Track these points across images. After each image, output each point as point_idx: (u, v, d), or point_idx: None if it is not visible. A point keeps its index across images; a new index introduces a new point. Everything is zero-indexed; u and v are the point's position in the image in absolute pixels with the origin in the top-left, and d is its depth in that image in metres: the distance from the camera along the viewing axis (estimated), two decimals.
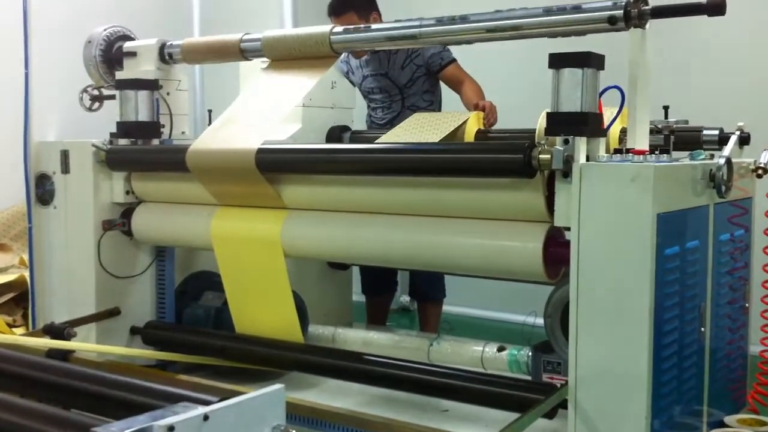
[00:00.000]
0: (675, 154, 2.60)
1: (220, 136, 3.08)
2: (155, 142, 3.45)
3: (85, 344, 3.23)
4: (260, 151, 2.91)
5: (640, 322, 2.22)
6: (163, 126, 3.49)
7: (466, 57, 4.19)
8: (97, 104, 3.63)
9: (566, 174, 2.36)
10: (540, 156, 2.40)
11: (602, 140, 2.47)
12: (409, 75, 4.16)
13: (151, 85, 3.42)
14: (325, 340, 3.41)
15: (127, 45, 3.54)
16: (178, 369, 3.29)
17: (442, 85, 4.27)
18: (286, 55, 3.17)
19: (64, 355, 3.00)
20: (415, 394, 2.86)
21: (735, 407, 2.89)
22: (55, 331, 3.17)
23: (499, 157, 2.55)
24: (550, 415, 2.42)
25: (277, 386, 1.58)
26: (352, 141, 3.76)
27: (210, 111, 3.86)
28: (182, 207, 3.32)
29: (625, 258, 2.24)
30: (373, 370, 2.89)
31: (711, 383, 2.67)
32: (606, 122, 2.55)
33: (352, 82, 4.26)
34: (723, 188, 2.48)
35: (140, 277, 3.50)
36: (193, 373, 3.16)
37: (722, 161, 2.48)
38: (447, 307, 4.50)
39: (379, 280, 4.29)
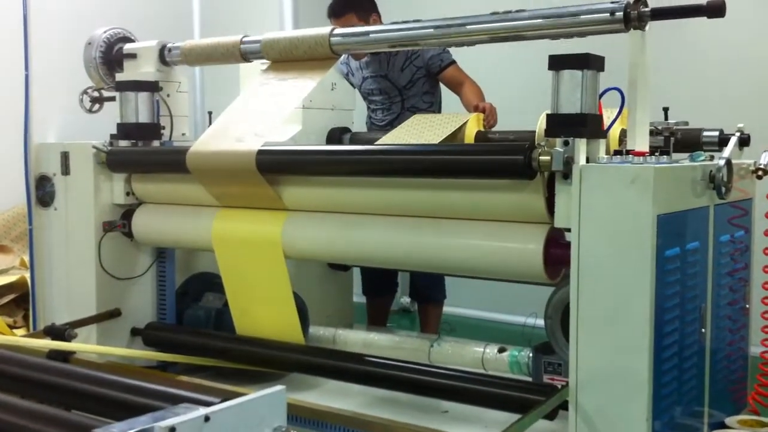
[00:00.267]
0: (675, 155, 2.60)
1: (221, 138, 3.09)
2: (155, 143, 3.45)
3: (85, 345, 3.23)
4: (260, 152, 2.92)
5: (640, 324, 2.22)
6: (164, 127, 3.50)
7: (466, 59, 4.19)
8: (97, 106, 3.63)
9: (566, 175, 2.36)
10: (540, 157, 2.40)
11: (602, 141, 2.47)
12: (409, 76, 4.16)
13: (152, 87, 3.42)
14: (325, 341, 3.41)
15: (128, 47, 3.54)
16: (179, 370, 3.29)
17: (442, 86, 4.27)
18: (286, 57, 3.18)
19: (65, 356, 3.01)
20: (416, 395, 2.86)
21: (735, 408, 2.89)
22: (55, 332, 3.17)
23: (500, 159, 2.56)
24: (550, 416, 2.42)
25: (278, 387, 1.58)
26: (352, 142, 3.77)
27: (210, 113, 3.86)
28: (183, 208, 3.33)
29: (625, 259, 2.24)
30: (374, 371, 2.89)
31: (711, 384, 2.67)
32: (606, 124, 2.55)
33: (352, 84, 4.27)
34: (723, 189, 2.48)
35: (141, 279, 3.51)
36: (193, 375, 3.15)
37: (722, 162, 2.48)
38: (448, 308, 4.50)
39: (379, 281, 4.29)
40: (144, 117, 3.40)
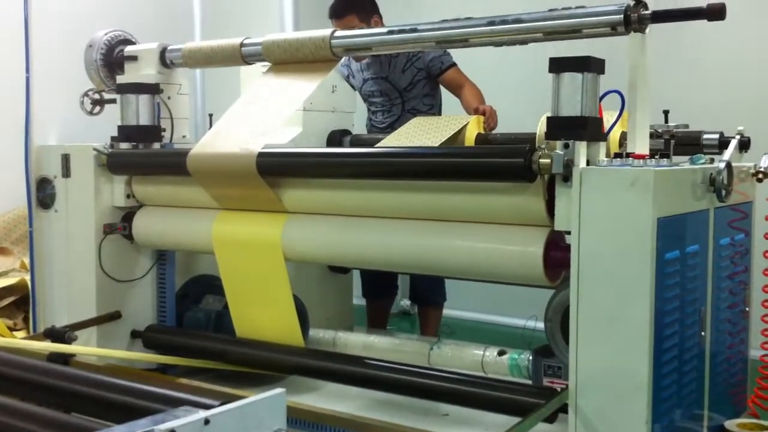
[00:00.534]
0: (675, 158, 2.60)
1: (221, 140, 3.09)
2: (156, 145, 3.45)
3: (85, 348, 3.23)
4: (261, 155, 2.92)
5: (640, 326, 2.22)
6: (164, 130, 3.50)
7: (465, 61, 4.19)
8: (98, 108, 3.63)
9: (566, 178, 2.36)
10: (540, 160, 2.40)
11: (602, 144, 2.47)
12: (410, 78, 4.16)
13: (152, 89, 3.42)
14: (325, 343, 3.41)
15: (128, 49, 3.54)
16: (179, 372, 3.29)
17: (443, 89, 4.27)
18: (286, 59, 3.18)
19: (65, 358, 3.01)
20: (416, 398, 2.86)
21: (735, 412, 2.89)
22: (55, 334, 3.17)
23: (500, 161, 2.56)
24: (550, 419, 2.42)
25: (278, 390, 1.58)
26: (352, 145, 3.77)
27: (211, 115, 3.86)
28: (183, 211, 3.33)
29: (625, 262, 2.24)
30: (374, 374, 2.89)
31: (711, 387, 2.67)
32: (606, 126, 2.56)
33: (352, 86, 4.27)
34: (723, 192, 2.48)
35: (141, 281, 3.51)
36: (193, 377, 3.16)
37: (722, 165, 2.48)
38: (447, 311, 4.50)
39: (379, 283, 4.29)
40: (145, 119, 3.40)
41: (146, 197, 3.43)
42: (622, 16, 2.42)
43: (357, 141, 3.80)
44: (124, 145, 3.40)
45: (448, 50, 4.09)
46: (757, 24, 4.54)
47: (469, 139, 3.37)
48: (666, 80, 4.10)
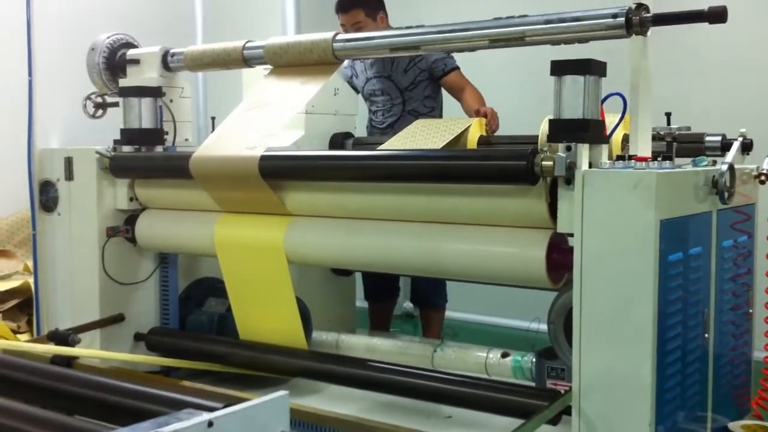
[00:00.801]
0: (677, 160, 2.60)
1: (224, 143, 3.09)
2: (159, 149, 3.45)
3: (89, 350, 3.23)
4: (263, 158, 2.92)
5: (643, 329, 2.22)
6: (167, 133, 3.50)
7: (468, 64, 4.19)
8: (100, 111, 3.64)
9: (569, 181, 2.36)
10: (542, 163, 2.40)
11: (605, 147, 2.47)
12: (412, 78, 4.17)
13: (155, 93, 3.43)
14: (328, 346, 3.41)
15: (131, 52, 3.55)
16: (182, 375, 3.28)
17: (444, 94, 4.27)
18: (288, 62, 3.18)
19: (68, 361, 3.01)
20: (419, 400, 2.86)
21: (739, 413, 2.89)
22: (59, 337, 3.17)
23: (502, 164, 2.56)
24: (554, 421, 2.42)
25: (281, 393, 1.58)
26: (354, 148, 3.77)
27: (213, 118, 3.86)
28: (186, 214, 3.33)
29: (628, 264, 2.24)
30: (377, 376, 2.89)
31: (715, 389, 2.66)
32: (608, 129, 2.56)
33: (355, 87, 4.27)
34: (726, 194, 2.48)
35: (144, 284, 3.51)
36: (196, 380, 3.15)
37: (725, 167, 2.48)
38: (450, 313, 4.49)
39: (380, 286, 4.29)
40: (147, 122, 3.41)
41: (149, 200, 3.44)
42: (623, 19, 2.43)
43: (359, 144, 3.81)
44: (126, 149, 3.40)
45: (452, 54, 4.10)
46: (759, 26, 4.54)
47: (472, 141, 3.37)
48: (668, 82, 4.09)
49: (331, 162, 3.02)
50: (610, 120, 2.61)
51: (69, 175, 3.47)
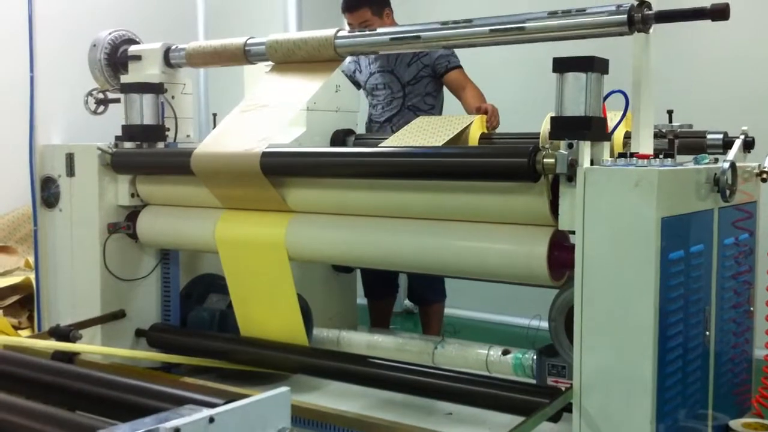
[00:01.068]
0: (679, 158, 2.60)
1: (225, 140, 3.09)
2: (160, 145, 3.45)
3: (90, 346, 3.24)
4: (265, 154, 2.92)
5: (644, 326, 2.22)
6: (168, 129, 3.51)
7: (469, 61, 4.19)
8: (102, 107, 3.64)
9: (570, 178, 2.36)
10: (544, 160, 2.40)
11: (606, 144, 2.47)
12: (414, 73, 4.16)
13: (156, 89, 3.43)
14: (329, 343, 3.41)
15: (132, 48, 3.55)
16: (183, 371, 3.29)
17: (445, 94, 4.26)
18: (290, 59, 3.18)
19: (70, 357, 3.02)
20: (420, 397, 2.86)
21: (739, 411, 2.89)
22: (60, 333, 3.18)
23: (504, 161, 2.56)
24: (554, 418, 2.42)
25: (282, 389, 1.59)
26: (356, 145, 3.77)
27: (215, 114, 3.86)
28: (187, 210, 3.33)
29: (629, 262, 2.24)
30: (378, 373, 2.89)
31: (715, 387, 2.66)
32: (610, 126, 2.55)
33: (357, 83, 4.27)
34: (727, 192, 2.48)
35: (145, 280, 3.51)
36: (197, 376, 3.16)
37: (726, 165, 2.47)
38: (451, 310, 4.49)
39: (378, 284, 4.28)
40: (149, 119, 3.41)
41: (150, 196, 3.44)
42: (625, 16, 2.42)
43: (361, 141, 3.81)
44: (128, 145, 3.41)
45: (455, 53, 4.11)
46: (762, 23, 4.54)
47: (473, 138, 3.37)
48: (670, 80, 4.09)
49: (333, 159, 3.02)
50: (612, 117, 2.61)
51: (70, 171, 3.47)
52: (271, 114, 3.14)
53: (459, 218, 2.72)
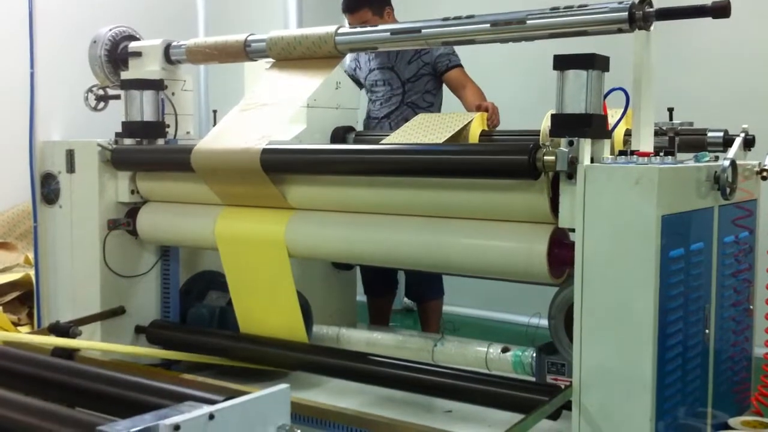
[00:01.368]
0: (679, 155, 2.60)
1: (225, 137, 3.09)
2: (160, 141, 3.45)
3: (90, 343, 3.24)
4: (265, 151, 2.92)
5: (644, 324, 2.22)
6: (168, 126, 3.51)
7: (470, 58, 4.19)
8: (102, 104, 3.63)
9: (571, 175, 2.36)
10: (544, 157, 2.40)
11: (607, 142, 2.47)
12: (415, 70, 4.16)
13: (156, 85, 3.43)
14: (329, 340, 3.41)
15: (133, 45, 3.55)
16: (183, 368, 3.29)
17: (445, 91, 4.26)
18: (290, 56, 3.18)
19: (69, 353, 3.01)
20: (419, 394, 2.86)
21: (739, 409, 2.89)
22: (60, 329, 3.18)
23: (504, 159, 2.56)
24: (554, 416, 2.42)
25: (282, 386, 1.59)
26: (356, 142, 3.77)
27: (215, 111, 3.86)
28: (187, 207, 3.33)
29: (629, 260, 2.24)
30: (378, 370, 2.89)
31: (715, 385, 2.67)
32: (610, 124, 2.55)
33: (358, 80, 4.26)
34: (727, 190, 2.48)
35: (145, 277, 3.51)
36: (197, 373, 3.16)
37: (727, 163, 2.47)
38: (451, 308, 4.49)
39: (377, 281, 4.28)
40: (149, 115, 3.41)
41: (150, 193, 3.44)
42: (627, 13, 2.42)
43: (361, 138, 3.81)
44: (128, 141, 3.41)
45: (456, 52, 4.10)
46: (763, 21, 4.53)
47: (473, 136, 3.37)
48: (670, 78, 4.09)
49: (333, 156, 3.01)
50: (613, 115, 2.60)
51: (70, 168, 3.47)
52: (271, 111, 3.13)
53: (459, 215, 2.72)
